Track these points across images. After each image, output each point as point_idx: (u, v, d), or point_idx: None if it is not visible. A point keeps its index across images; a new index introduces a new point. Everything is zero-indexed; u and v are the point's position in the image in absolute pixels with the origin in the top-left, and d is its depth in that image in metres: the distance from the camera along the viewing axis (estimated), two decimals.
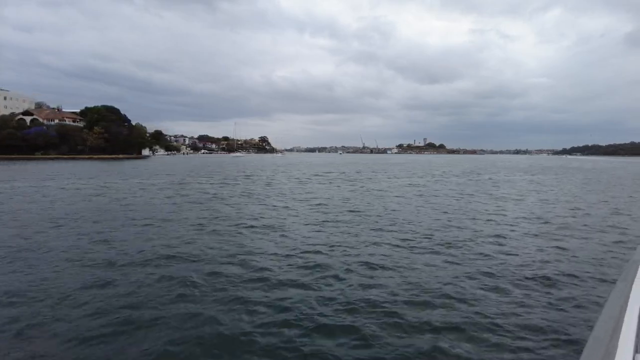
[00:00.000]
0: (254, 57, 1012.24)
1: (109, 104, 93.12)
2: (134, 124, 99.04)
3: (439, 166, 70.44)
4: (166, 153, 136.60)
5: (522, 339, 5.23)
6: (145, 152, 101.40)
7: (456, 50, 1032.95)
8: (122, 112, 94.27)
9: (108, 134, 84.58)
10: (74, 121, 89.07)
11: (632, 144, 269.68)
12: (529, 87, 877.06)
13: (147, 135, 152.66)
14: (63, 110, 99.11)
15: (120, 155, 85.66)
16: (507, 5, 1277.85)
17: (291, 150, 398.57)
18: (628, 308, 1.71)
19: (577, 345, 4.95)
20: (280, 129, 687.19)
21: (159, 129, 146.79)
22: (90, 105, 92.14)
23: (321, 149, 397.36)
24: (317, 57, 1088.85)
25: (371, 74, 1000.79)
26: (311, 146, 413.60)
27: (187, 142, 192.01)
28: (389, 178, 37.31)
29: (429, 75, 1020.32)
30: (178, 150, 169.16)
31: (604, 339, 1.51)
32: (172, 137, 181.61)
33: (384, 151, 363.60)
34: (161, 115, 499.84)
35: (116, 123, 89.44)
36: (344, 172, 46.57)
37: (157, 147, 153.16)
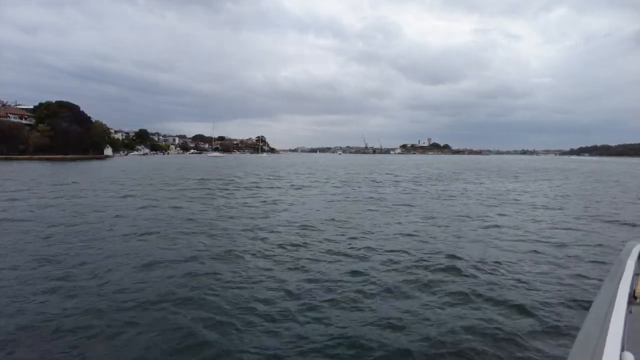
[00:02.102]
0: (257, 58, 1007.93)
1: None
2: (94, 121, 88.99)
3: (414, 167, 58.18)
4: (143, 153, 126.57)
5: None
6: (108, 151, 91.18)
7: (459, 50, 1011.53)
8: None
9: (55, 131, 74.49)
10: (21, 118, 79.33)
11: None
12: (532, 87, 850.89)
13: (134, 135, 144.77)
14: (19, 106, 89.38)
15: (70, 156, 75.42)
16: (509, 5, 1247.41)
17: (295, 150, 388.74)
18: (615, 306, 1.71)
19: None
20: (284, 130, 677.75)
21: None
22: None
23: (325, 150, 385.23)
24: (319, 58, 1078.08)
25: (374, 74, 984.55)
26: (315, 147, 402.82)
27: (177, 141, 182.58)
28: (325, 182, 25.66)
29: (432, 75, 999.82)
30: (166, 149, 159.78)
31: (592, 337, 1.51)
32: (161, 137, 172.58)
33: (386, 151, 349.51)
34: (163, 116, 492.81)
35: (69, 120, 79.32)
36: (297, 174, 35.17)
37: (142, 146, 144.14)
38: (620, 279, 2.14)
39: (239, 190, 23.00)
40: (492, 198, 20.18)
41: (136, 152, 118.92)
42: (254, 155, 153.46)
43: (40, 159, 68.95)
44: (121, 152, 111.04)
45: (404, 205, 17.15)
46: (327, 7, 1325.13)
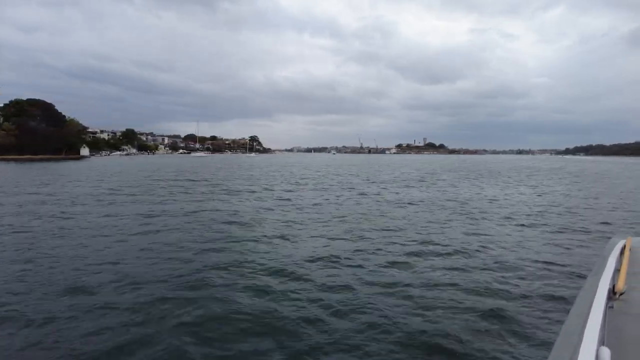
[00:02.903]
0: (255, 57, 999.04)
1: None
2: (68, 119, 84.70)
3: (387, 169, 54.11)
4: (127, 153, 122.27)
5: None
6: (84, 152, 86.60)
7: (457, 50, 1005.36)
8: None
9: (22, 130, 70.23)
10: None
11: (637, 143, 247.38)
12: (530, 87, 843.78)
13: (120, 134, 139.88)
14: None
15: (39, 156, 71.07)
16: (507, 4, 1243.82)
17: (291, 150, 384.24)
18: (595, 301, 1.74)
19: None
20: (283, 130, 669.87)
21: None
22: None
23: (321, 149, 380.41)
24: (318, 57, 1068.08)
25: (372, 74, 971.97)
26: (312, 146, 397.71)
27: (166, 141, 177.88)
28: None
29: (430, 75, 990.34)
30: (154, 149, 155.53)
31: (574, 332, 1.53)
32: (150, 137, 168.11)
33: (382, 151, 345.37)
34: (162, 116, 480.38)
35: (40, 119, 75.18)
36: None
37: (128, 147, 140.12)
38: (602, 274, 2.14)
39: (151, 196, 18.87)
40: (445, 208, 16.08)
41: (119, 153, 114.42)
42: (244, 156, 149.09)
43: (5, 160, 64.85)
44: (102, 152, 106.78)
45: (338, 219, 13.05)
46: (325, 6, 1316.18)
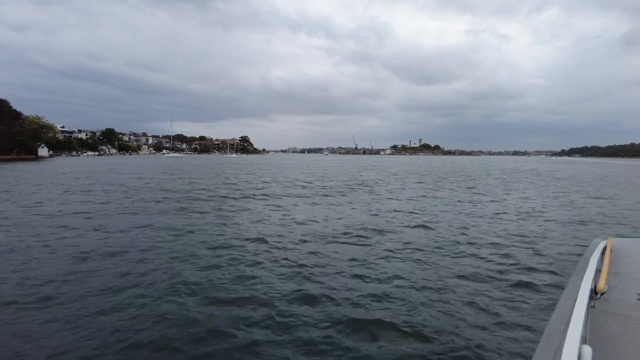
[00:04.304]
0: (249, 57, 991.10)
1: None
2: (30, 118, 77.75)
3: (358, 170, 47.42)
4: (100, 154, 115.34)
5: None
6: (43, 152, 79.35)
7: (451, 51, 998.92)
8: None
9: None
10: None
11: (632, 145, 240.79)
12: (524, 88, 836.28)
13: (100, 134, 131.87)
14: None
15: None
16: (501, 5, 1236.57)
17: (285, 151, 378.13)
18: (577, 301, 1.74)
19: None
20: (279, 130, 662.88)
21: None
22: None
23: (317, 150, 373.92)
24: (312, 57, 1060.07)
25: (367, 75, 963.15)
26: (308, 147, 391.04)
27: (149, 141, 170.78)
28: None
29: (425, 76, 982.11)
30: (135, 150, 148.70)
31: (557, 332, 1.54)
32: (132, 137, 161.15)
33: (377, 152, 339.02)
34: (156, 116, 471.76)
35: None
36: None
37: (108, 147, 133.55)
38: (584, 275, 2.15)
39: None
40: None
41: (89, 153, 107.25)
42: (223, 156, 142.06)
43: None
44: (68, 152, 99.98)
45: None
46: (319, 6, 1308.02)
